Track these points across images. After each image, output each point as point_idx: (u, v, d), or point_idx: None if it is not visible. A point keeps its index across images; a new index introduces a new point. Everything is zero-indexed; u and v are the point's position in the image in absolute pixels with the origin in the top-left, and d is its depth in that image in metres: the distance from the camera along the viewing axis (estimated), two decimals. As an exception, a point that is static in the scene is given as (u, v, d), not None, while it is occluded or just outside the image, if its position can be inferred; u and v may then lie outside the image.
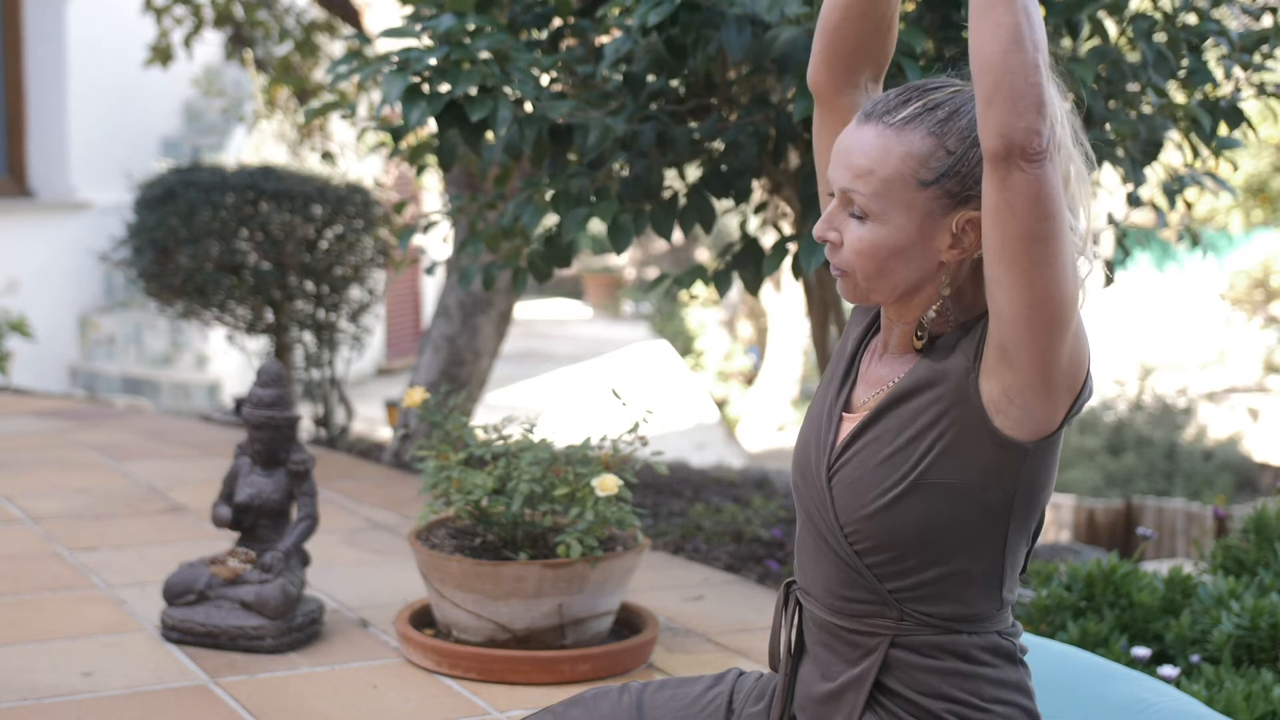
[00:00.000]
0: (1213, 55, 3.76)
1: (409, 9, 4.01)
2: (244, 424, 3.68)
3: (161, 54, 7.25)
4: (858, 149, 1.74)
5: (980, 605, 1.78)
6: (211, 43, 9.05)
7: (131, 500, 4.91)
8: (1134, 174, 3.58)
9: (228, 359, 9.04)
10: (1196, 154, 3.82)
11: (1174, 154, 4.05)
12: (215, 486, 3.94)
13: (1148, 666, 3.02)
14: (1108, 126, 3.51)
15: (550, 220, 3.83)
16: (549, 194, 3.60)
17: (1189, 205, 3.99)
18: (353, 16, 6.06)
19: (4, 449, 5.72)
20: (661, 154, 3.56)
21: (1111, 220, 3.92)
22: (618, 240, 3.50)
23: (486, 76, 3.36)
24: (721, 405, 14.40)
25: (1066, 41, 3.55)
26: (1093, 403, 12.03)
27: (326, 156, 7.33)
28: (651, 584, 4.00)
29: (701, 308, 16.05)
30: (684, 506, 5.16)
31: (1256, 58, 3.77)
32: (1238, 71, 3.77)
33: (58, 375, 9.39)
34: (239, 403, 6.78)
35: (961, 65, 1.74)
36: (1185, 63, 3.60)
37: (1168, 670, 2.88)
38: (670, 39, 3.38)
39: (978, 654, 1.78)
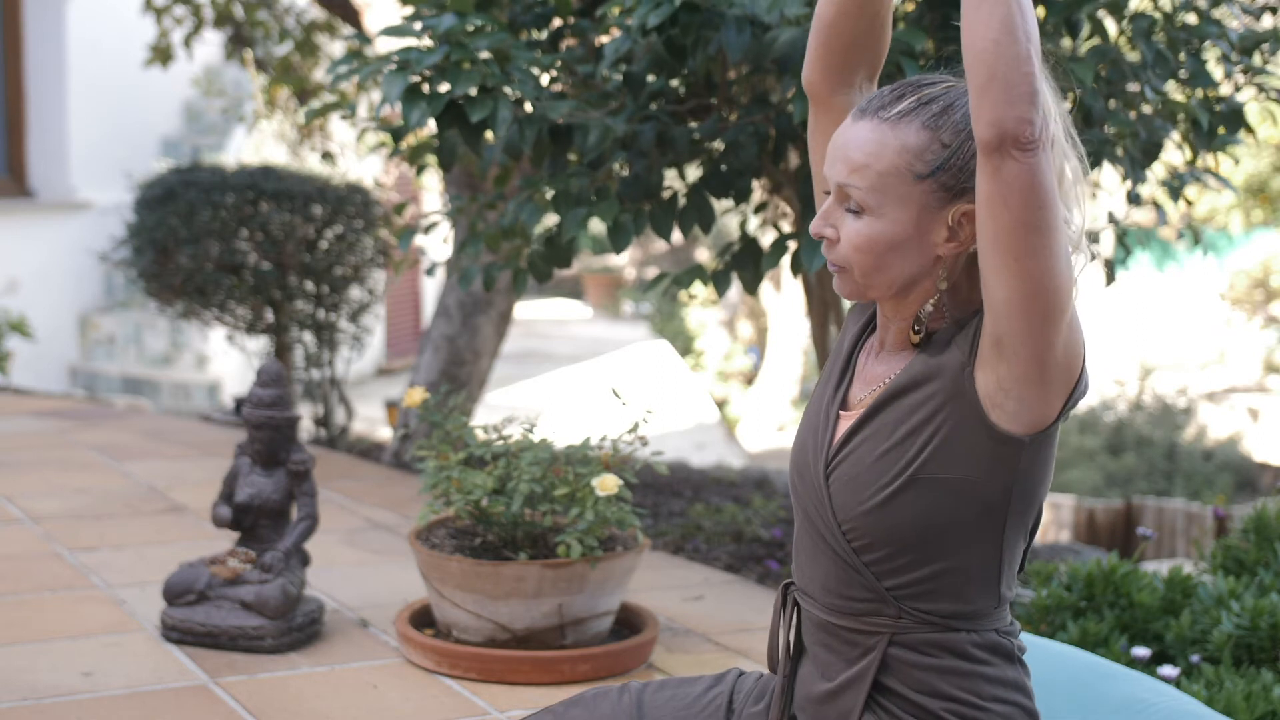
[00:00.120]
0: (1212, 55, 3.76)
1: (409, 9, 4.01)
2: (244, 424, 3.68)
3: (161, 54, 7.25)
4: (854, 144, 1.76)
5: (978, 602, 1.78)
6: (211, 43, 9.05)
7: (131, 500, 4.91)
8: (1134, 173, 3.59)
9: (228, 359, 9.04)
10: (1196, 155, 3.82)
11: (1174, 154, 4.05)
12: (215, 486, 3.94)
13: (1148, 666, 3.02)
14: (1108, 127, 3.52)
15: (550, 220, 3.83)
16: (549, 194, 3.60)
17: (1189, 203, 3.99)
18: (353, 16, 6.06)
19: (4, 449, 5.72)
20: (661, 154, 3.56)
21: (1112, 219, 3.92)
22: (618, 240, 3.50)
23: (486, 76, 3.36)
24: (721, 405, 14.40)
25: (1066, 41, 3.56)
26: (1093, 403, 12.04)
27: (326, 156, 7.33)
28: (651, 584, 4.00)
29: (701, 308, 16.06)
30: (684, 506, 5.16)
31: (1256, 58, 3.77)
32: (1238, 75, 3.77)
33: (58, 375, 9.39)
34: (239, 403, 6.78)
35: (957, 64, 1.75)
36: (1184, 61, 3.60)
37: (1168, 670, 2.88)
38: (670, 39, 3.38)
39: (976, 652, 1.78)
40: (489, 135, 3.61)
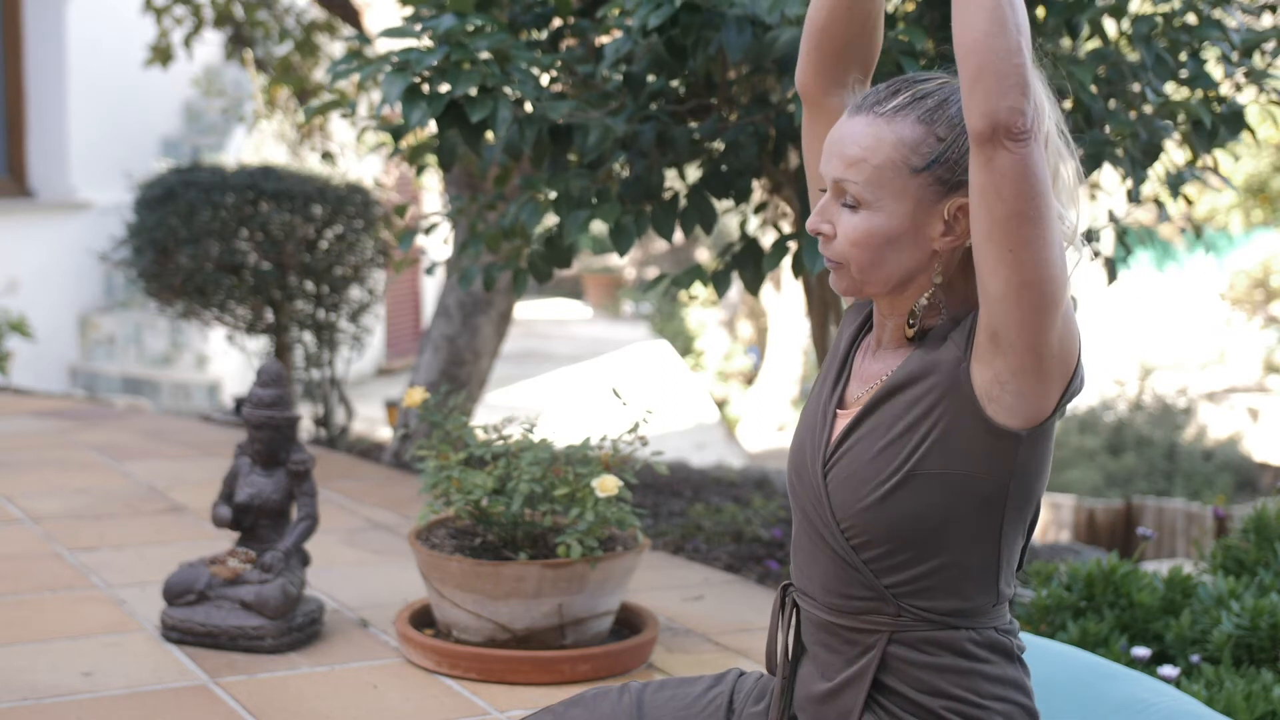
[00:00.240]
0: (1212, 56, 3.76)
1: (409, 9, 4.01)
2: (244, 424, 3.68)
3: (161, 54, 7.25)
4: (849, 139, 1.77)
5: (978, 599, 1.78)
6: (211, 43, 9.05)
7: (131, 500, 4.91)
8: (1134, 174, 3.59)
9: (228, 359, 9.04)
10: (1196, 155, 3.82)
11: (1175, 154, 4.05)
12: (215, 486, 3.94)
13: (1148, 666, 3.02)
14: (1108, 127, 3.52)
15: (550, 220, 3.83)
16: (550, 196, 3.60)
17: (1189, 203, 3.99)
18: (353, 16, 6.06)
19: (4, 449, 5.72)
20: (661, 154, 3.56)
21: (1112, 218, 3.92)
22: (620, 242, 3.50)
23: (486, 77, 3.36)
24: (721, 405, 14.40)
25: (1066, 41, 3.56)
26: (1093, 402, 12.04)
27: (326, 156, 7.33)
28: (651, 584, 4.00)
29: (701, 308, 16.05)
30: (684, 506, 5.16)
31: (1256, 58, 3.77)
32: (1239, 76, 3.77)
33: (58, 375, 9.39)
34: (239, 403, 6.78)
35: (954, 63, 1.75)
36: (1184, 62, 3.60)
37: (1168, 670, 2.88)
38: (671, 40, 3.38)
39: (975, 650, 1.78)
40: (489, 135, 3.61)
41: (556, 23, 3.81)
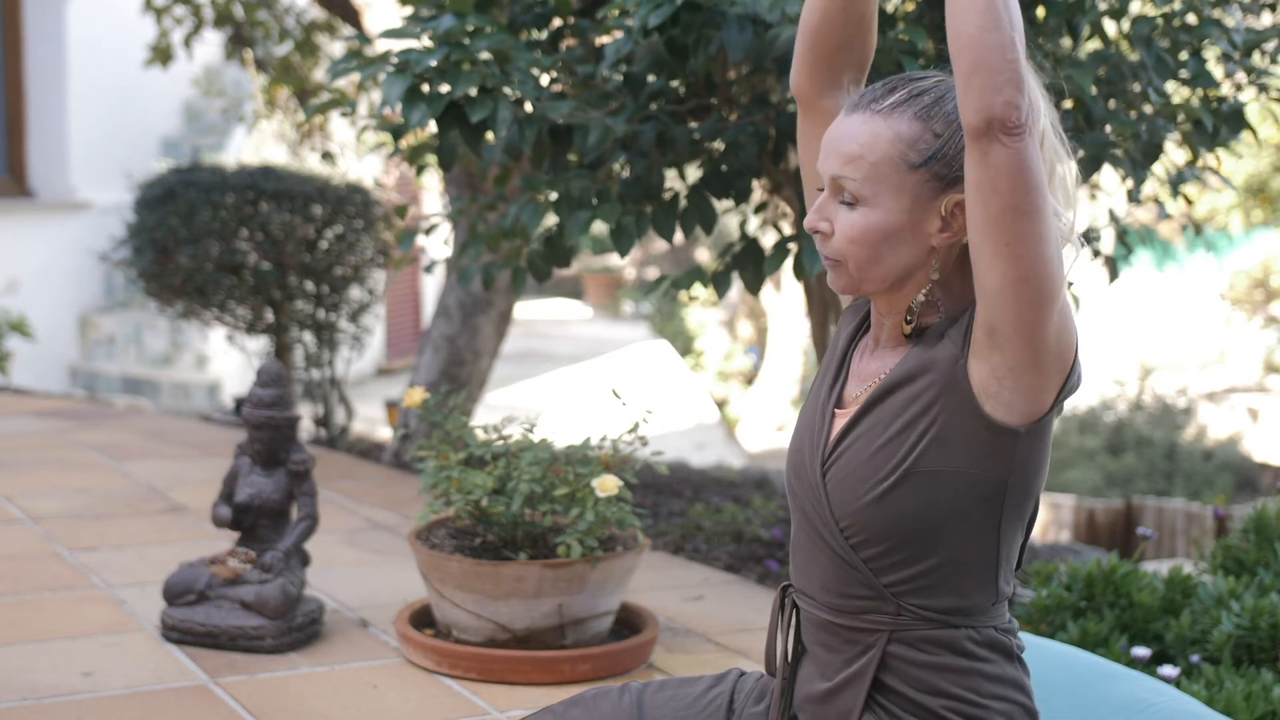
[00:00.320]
0: (1212, 55, 3.76)
1: (409, 9, 4.01)
2: (244, 424, 3.68)
3: (161, 54, 7.25)
4: (847, 136, 1.78)
5: (977, 597, 1.79)
6: (211, 43, 9.05)
7: (131, 500, 4.91)
8: (1134, 174, 3.59)
9: (228, 359, 9.04)
10: (1197, 155, 3.83)
11: (1175, 154, 4.05)
12: (215, 486, 3.94)
13: (1148, 666, 3.02)
14: (1108, 127, 3.52)
15: (550, 220, 3.82)
16: (551, 197, 3.60)
17: (1189, 203, 3.99)
18: (353, 16, 6.06)
19: (4, 449, 5.72)
20: (661, 154, 3.56)
21: (1113, 218, 3.92)
22: (621, 243, 3.50)
23: (486, 77, 3.36)
24: (721, 405, 14.40)
25: (1067, 42, 3.56)
26: (1093, 402, 12.04)
27: (326, 156, 7.33)
28: (651, 584, 4.00)
29: (701, 308, 16.05)
30: (684, 506, 5.17)
31: (1257, 57, 3.77)
32: (1240, 75, 3.77)
33: (58, 375, 9.39)
34: (239, 403, 6.78)
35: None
36: (1185, 61, 3.60)
37: (1168, 670, 2.88)
38: (671, 39, 3.38)
39: (975, 649, 1.78)
40: (489, 136, 3.60)
41: (556, 23, 3.81)
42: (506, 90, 3.42)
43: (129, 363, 9.52)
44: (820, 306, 4.23)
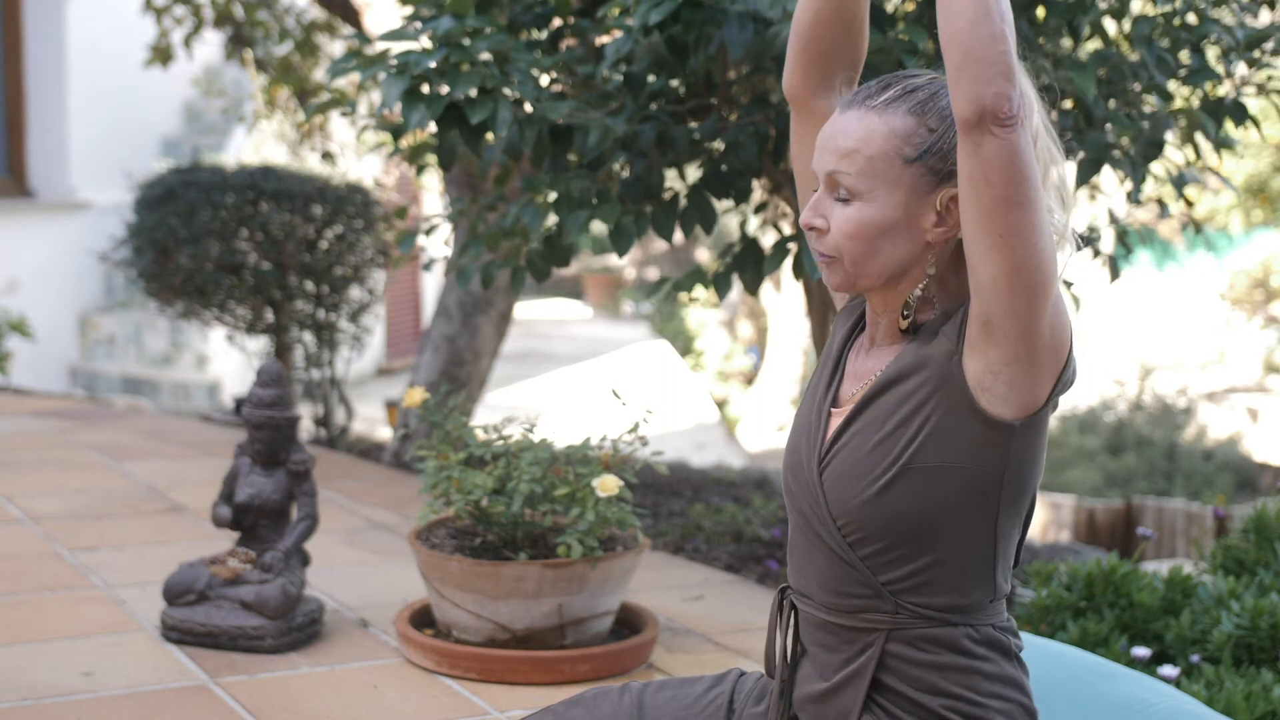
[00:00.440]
0: (1213, 53, 3.76)
1: (409, 9, 4.01)
2: (244, 424, 3.68)
3: (161, 54, 7.25)
4: (842, 132, 1.79)
5: (975, 594, 1.79)
6: (211, 43, 9.04)
7: (131, 500, 4.91)
8: (1134, 175, 3.59)
9: (228, 359, 9.04)
10: (1198, 154, 3.83)
11: (1175, 154, 4.05)
12: (215, 486, 3.94)
13: (1148, 666, 3.02)
14: (1108, 127, 3.52)
15: (551, 220, 3.82)
16: (551, 197, 3.60)
17: (1190, 204, 3.99)
18: (353, 16, 6.06)
19: (4, 449, 5.72)
20: (661, 154, 3.56)
21: (1113, 218, 3.92)
22: (620, 243, 3.50)
23: (486, 78, 3.36)
24: (721, 405, 14.40)
25: (1067, 42, 3.55)
26: (1093, 402, 12.04)
27: (326, 156, 7.33)
28: (651, 584, 4.00)
29: (701, 308, 16.05)
30: (684, 506, 5.17)
31: (1257, 54, 3.77)
32: (1240, 69, 3.77)
33: (58, 375, 9.39)
34: (239, 403, 6.78)
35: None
36: (1186, 60, 3.60)
37: (1168, 670, 2.88)
38: (671, 37, 3.38)
39: (973, 647, 1.78)
40: (489, 136, 3.60)
41: (556, 23, 3.81)
42: (506, 91, 3.42)
43: (129, 363, 9.52)
44: (820, 306, 4.23)
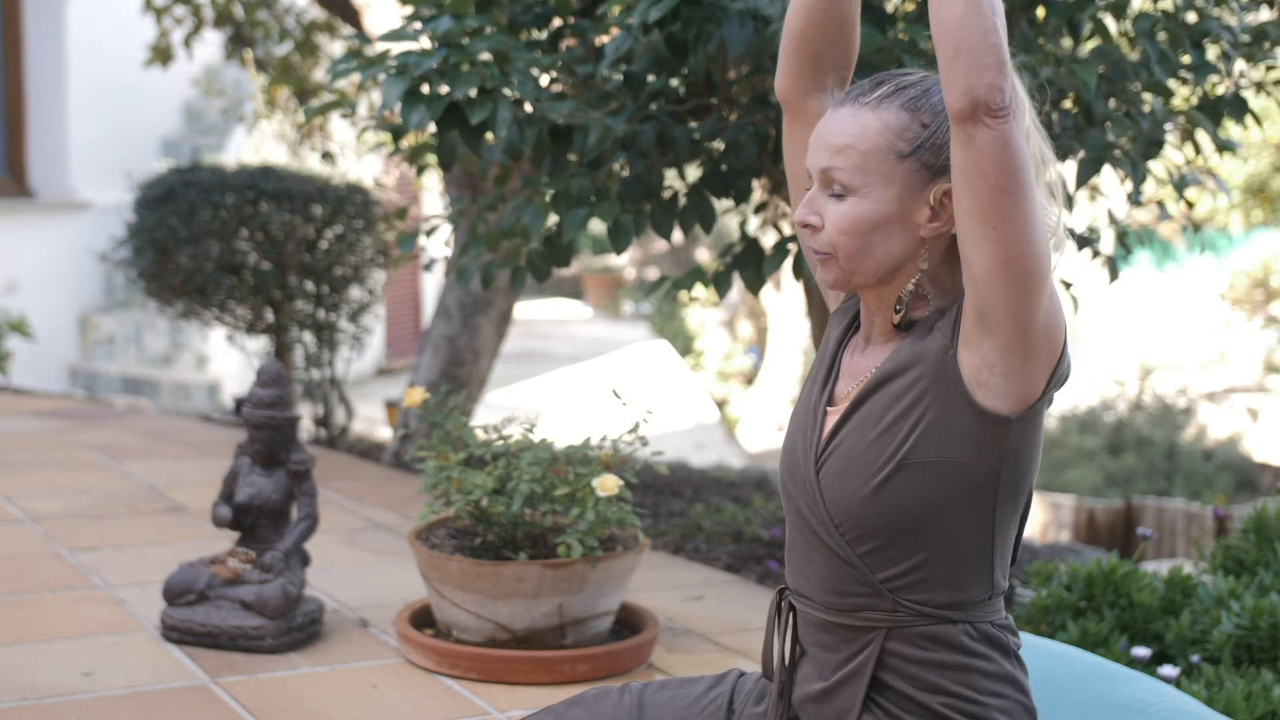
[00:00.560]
0: (1213, 52, 3.76)
1: (409, 9, 4.01)
2: (244, 424, 3.68)
3: (161, 54, 7.25)
4: (836, 129, 1.80)
5: (973, 591, 1.79)
6: (211, 43, 9.05)
7: (131, 500, 4.91)
8: (1134, 173, 3.59)
9: (228, 359, 9.04)
10: (1198, 152, 3.83)
11: (1174, 154, 4.05)
12: (215, 486, 3.95)
13: (1148, 666, 3.02)
14: (1108, 125, 3.52)
15: (551, 219, 3.82)
16: (549, 194, 3.60)
17: (1190, 204, 3.99)
18: (353, 16, 6.06)
19: (4, 449, 5.72)
20: (661, 154, 3.56)
21: (1112, 219, 3.92)
22: (618, 241, 3.50)
23: (486, 78, 3.36)
24: (721, 405, 14.40)
25: (1067, 42, 3.55)
26: (1093, 402, 12.04)
27: (326, 156, 7.33)
28: (651, 584, 4.00)
29: (702, 308, 16.06)
30: (684, 506, 5.17)
31: (1257, 50, 3.77)
32: (1240, 65, 3.77)
33: (58, 375, 9.39)
34: (239, 403, 6.78)
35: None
36: (1187, 59, 3.60)
37: (1168, 670, 2.88)
38: (671, 35, 3.38)
39: (972, 645, 1.78)
40: (489, 136, 3.60)
41: (556, 23, 3.81)
42: (506, 91, 3.42)
43: (129, 363, 9.52)
44: (820, 306, 4.23)
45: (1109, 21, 3.63)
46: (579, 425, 5.18)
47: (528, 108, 3.55)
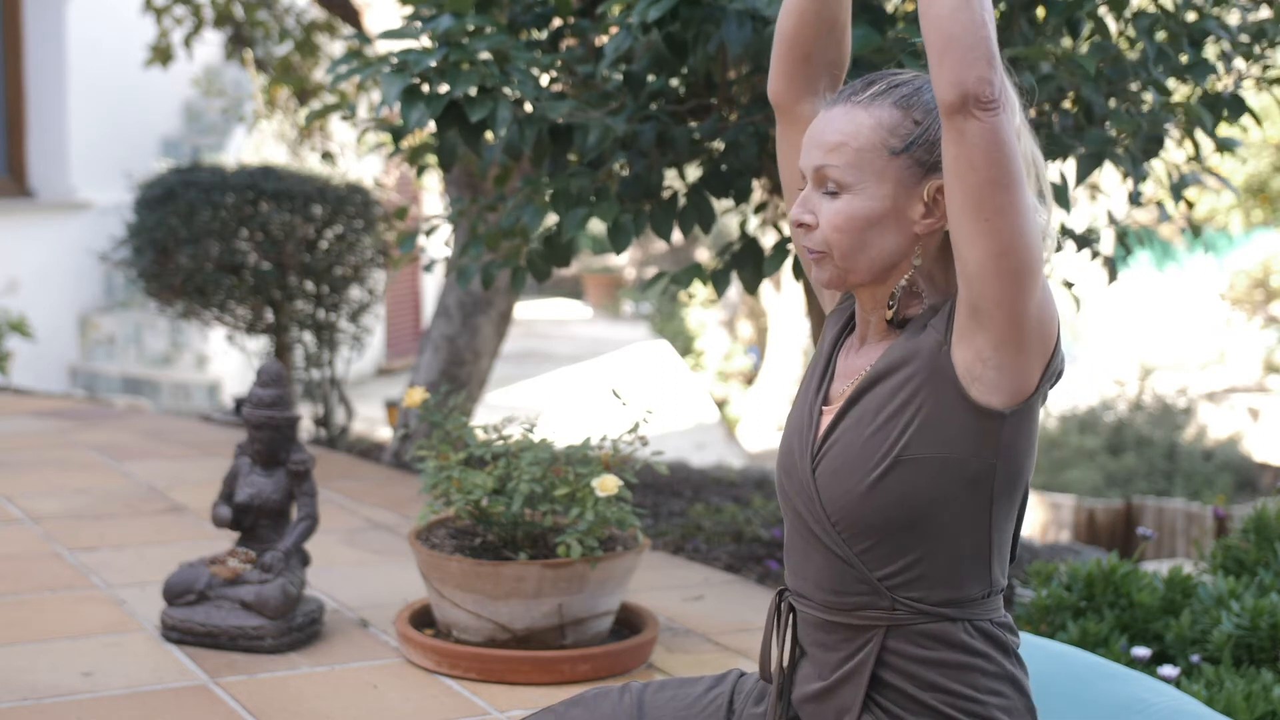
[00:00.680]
0: (1213, 51, 3.76)
1: (409, 9, 4.01)
2: (244, 424, 3.68)
3: (161, 54, 7.25)
4: (830, 128, 1.82)
5: (971, 589, 1.80)
6: (211, 43, 9.05)
7: (131, 500, 4.91)
8: (1135, 171, 3.59)
9: (228, 359, 9.04)
10: (1198, 150, 3.83)
11: (1175, 153, 4.05)
12: (215, 486, 3.94)
13: (1148, 666, 3.02)
14: (1108, 124, 3.52)
15: (550, 219, 3.83)
16: (549, 194, 3.60)
17: (1190, 204, 3.99)
18: (353, 16, 6.05)
19: (4, 449, 5.72)
20: (661, 154, 3.56)
21: (1112, 219, 3.92)
22: (618, 240, 3.50)
23: (486, 77, 3.36)
24: (721, 405, 14.40)
25: (1067, 41, 3.55)
26: (1093, 402, 12.04)
27: (326, 156, 7.33)
28: (651, 584, 4.00)
29: (701, 308, 16.06)
30: (684, 506, 5.16)
31: (1256, 50, 3.77)
32: (1239, 63, 3.78)
33: (58, 375, 9.39)
34: (239, 403, 6.78)
35: None
36: (1185, 58, 3.60)
37: (1168, 670, 2.88)
38: (671, 35, 3.38)
39: (970, 643, 1.79)
40: (489, 135, 3.60)
41: (556, 22, 3.81)
42: (506, 90, 3.42)
43: (129, 363, 9.52)
44: (820, 307, 4.23)
45: (1108, 20, 3.63)
46: (579, 425, 5.18)
47: (528, 107, 3.55)
